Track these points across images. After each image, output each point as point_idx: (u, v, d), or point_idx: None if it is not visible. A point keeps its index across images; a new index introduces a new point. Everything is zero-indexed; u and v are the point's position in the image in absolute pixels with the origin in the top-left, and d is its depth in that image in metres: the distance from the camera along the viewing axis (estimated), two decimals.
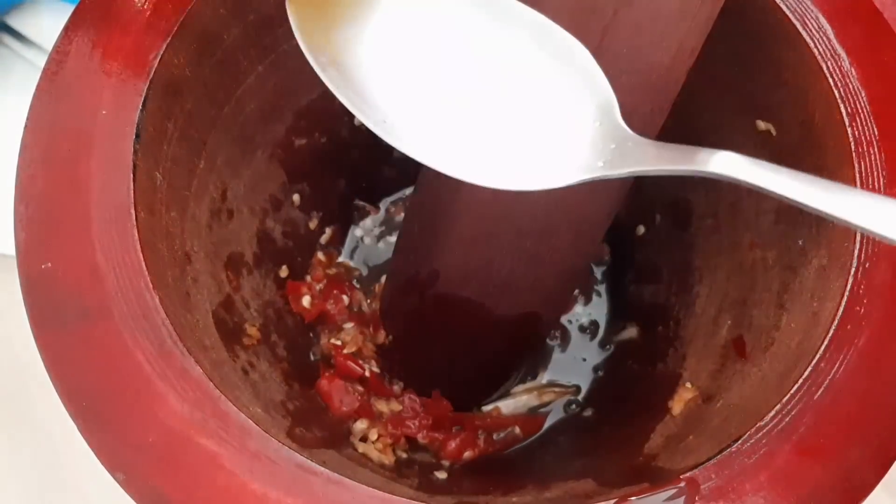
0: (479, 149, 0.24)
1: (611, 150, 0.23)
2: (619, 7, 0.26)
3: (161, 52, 0.27)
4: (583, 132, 0.24)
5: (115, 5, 0.28)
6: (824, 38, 0.28)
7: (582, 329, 0.41)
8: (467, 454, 0.36)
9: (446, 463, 0.36)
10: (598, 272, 0.43)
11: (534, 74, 0.25)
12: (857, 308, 0.25)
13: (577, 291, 0.42)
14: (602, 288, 0.42)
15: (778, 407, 0.24)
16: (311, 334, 0.39)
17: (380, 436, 0.35)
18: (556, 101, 0.24)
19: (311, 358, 0.38)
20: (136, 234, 0.25)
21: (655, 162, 0.22)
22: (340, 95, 0.24)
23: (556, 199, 0.30)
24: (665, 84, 0.28)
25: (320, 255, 0.41)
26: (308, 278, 0.39)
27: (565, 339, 0.41)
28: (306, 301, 0.38)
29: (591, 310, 0.42)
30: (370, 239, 0.44)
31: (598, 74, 0.24)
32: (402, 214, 0.44)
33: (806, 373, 0.24)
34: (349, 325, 0.39)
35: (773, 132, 0.31)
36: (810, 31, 0.28)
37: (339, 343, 0.38)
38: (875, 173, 0.27)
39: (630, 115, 0.28)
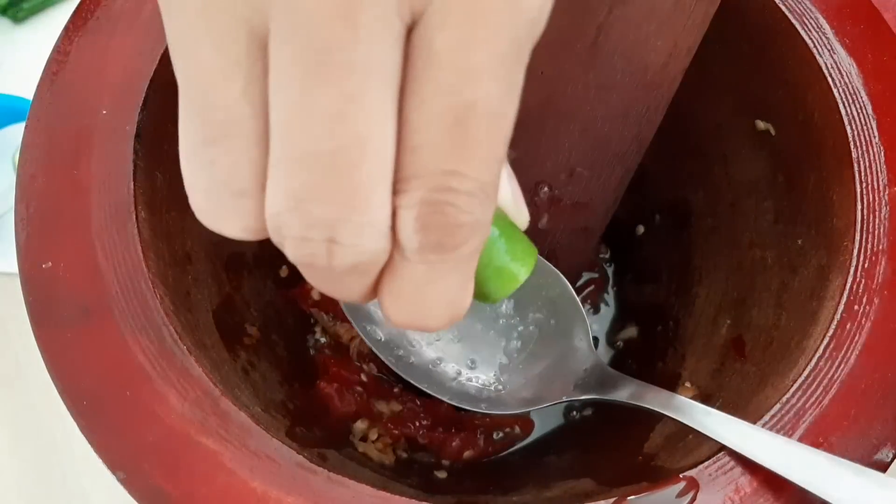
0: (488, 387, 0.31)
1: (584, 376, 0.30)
2: (614, 5, 0.26)
3: (162, 52, 0.27)
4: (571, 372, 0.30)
5: (116, 5, 0.28)
6: (824, 38, 0.28)
7: None
8: (467, 454, 0.36)
9: (446, 463, 0.36)
10: (609, 278, 0.42)
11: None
12: (857, 307, 0.25)
13: (587, 303, 0.41)
14: (610, 297, 0.42)
15: (777, 406, 0.24)
16: (311, 333, 0.39)
17: (380, 435, 0.35)
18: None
19: (312, 353, 0.38)
20: (137, 234, 0.25)
21: (610, 392, 0.28)
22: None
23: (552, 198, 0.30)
24: (661, 83, 0.28)
25: None
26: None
27: None
28: (315, 294, 0.38)
29: (595, 323, 0.42)
30: None
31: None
32: None
33: (805, 372, 0.24)
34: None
35: (773, 132, 0.31)
36: (809, 30, 0.28)
37: (339, 333, 0.38)
38: (874, 173, 0.27)
39: (625, 114, 0.29)
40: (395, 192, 0.15)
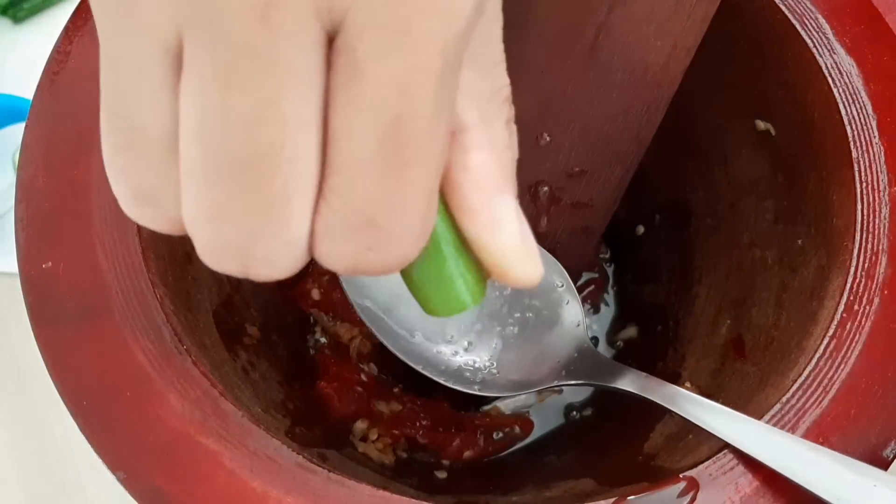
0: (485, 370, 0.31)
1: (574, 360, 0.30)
2: (614, 5, 0.26)
3: None
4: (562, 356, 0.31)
5: None
6: (823, 38, 0.28)
7: None
8: (467, 454, 0.36)
9: (446, 463, 0.36)
10: (609, 278, 0.42)
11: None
12: (857, 307, 0.25)
13: (587, 303, 0.42)
14: (610, 297, 0.42)
15: (777, 406, 0.24)
16: (311, 333, 0.39)
17: (380, 435, 0.35)
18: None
19: (312, 353, 0.38)
20: (137, 234, 0.25)
21: (602, 378, 0.29)
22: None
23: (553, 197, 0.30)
24: (661, 83, 0.28)
25: None
26: (310, 281, 0.39)
27: None
28: (315, 294, 0.38)
29: (595, 323, 0.42)
30: None
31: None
32: None
33: (805, 372, 0.24)
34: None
35: (773, 132, 0.31)
36: (809, 30, 0.28)
37: (339, 333, 0.38)
38: (874, 173, 0.27)
39: (625, 113, 0.29)
40: (317, 210, 0.15)
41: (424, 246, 0.16)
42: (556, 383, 0.30)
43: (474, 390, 0.31)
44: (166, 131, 0.15)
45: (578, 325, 0.31)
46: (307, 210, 0.15)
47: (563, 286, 0.31)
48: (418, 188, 0.14)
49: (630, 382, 0.27)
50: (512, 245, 0.17)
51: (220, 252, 0.15)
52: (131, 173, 0.15)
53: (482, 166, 0.17)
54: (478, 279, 0.18)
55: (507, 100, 0.18)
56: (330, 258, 0.15)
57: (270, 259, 0.15)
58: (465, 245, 0.18)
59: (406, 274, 0.18)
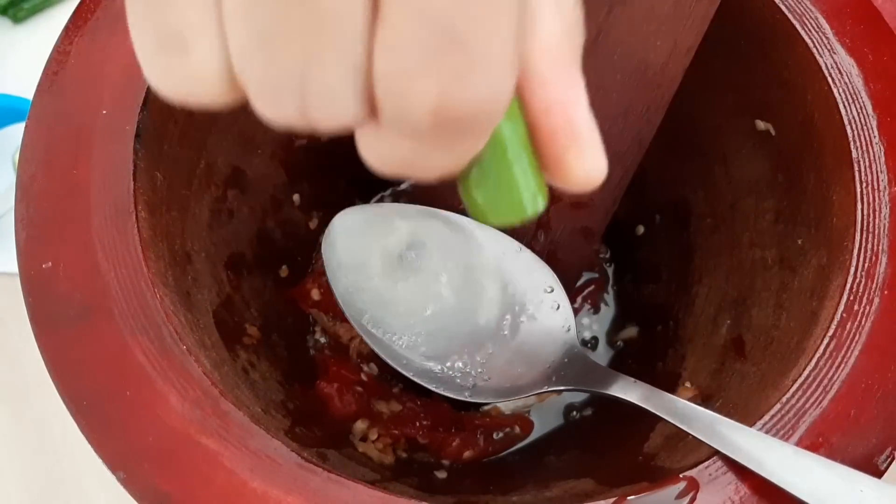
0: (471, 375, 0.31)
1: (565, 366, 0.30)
2: (614, 5, 0.26)
3: None
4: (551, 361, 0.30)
5: (116, 5, 0.28)
6: (823, 38, 0.28)
7: (583, 343, 0.41)
8: (467, 454, 0.36)
9: (446, 463, 0.36)
10: (609, 278, 0.42)
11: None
12: (857, 307, 0.25)
13: (587, 303, 0.42)
14: (610, 297, 0.42)
15: (777, 406, 0.24)
16: (311, 333, 0.39)
17: (380, 435, 0.35)
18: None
19: (312, 353, 0.38)
20: (137, 234, 0.25)
21: (591, 383, 0.28)
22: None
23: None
24: (661, 82, 0.28)
25: None
26: (310, 281, 0.39)
27: None
28: (315, 294, 0.38)
29: (595, 323, 0.42)
30: None
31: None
32: None
33: (805, 372, 0.24)
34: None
35: (773, 132, 0.31)
36: (809, 30, 0.28)
37: (339, 333, 0.38)
38: (874, 173, 0.27)
39: (625, 114, 0.29)
40: (380, 34, 0.12)
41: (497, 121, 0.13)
42: (546, 389, 0.29)
43: (465, 397, 0.30)
44: None
45: (569, 329, 0.30)
46: (364, 23, 0.12)
47: (552, 290, 0.31)
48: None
49: (620, 388, 0.27)
50: (586, 126, 0.15)
51: (275, 91, 0.13)
52: (160, 8, 0.13)
53: (552, 35, 0.14)
54: (541, 185, 0.16)
55: None
56: (408, 96, 0.12)
57: (329, 93, 0.13)
58: (531, 143, 0.16)
59: (463, 174, 0.16)
